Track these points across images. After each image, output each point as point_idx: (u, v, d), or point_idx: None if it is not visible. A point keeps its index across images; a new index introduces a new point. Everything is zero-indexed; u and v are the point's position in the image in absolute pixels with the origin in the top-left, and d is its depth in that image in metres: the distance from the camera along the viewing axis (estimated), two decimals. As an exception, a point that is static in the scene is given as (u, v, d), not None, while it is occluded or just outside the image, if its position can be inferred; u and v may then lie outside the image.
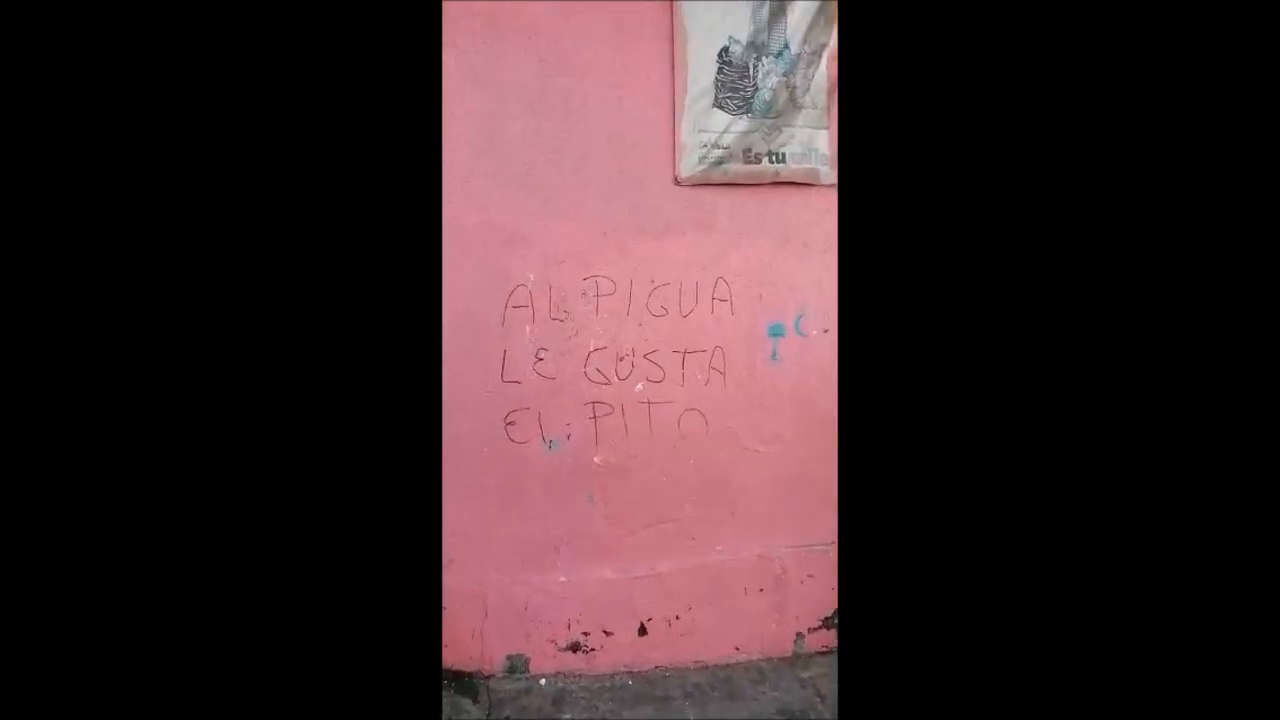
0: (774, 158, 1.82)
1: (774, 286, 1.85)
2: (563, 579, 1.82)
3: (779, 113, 1.81)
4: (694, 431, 1.84)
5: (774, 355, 1.87)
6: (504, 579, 1.80)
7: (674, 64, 1.75)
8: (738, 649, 1.92)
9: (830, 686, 1.75)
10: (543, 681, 1.79)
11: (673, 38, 1.74)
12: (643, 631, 1.87)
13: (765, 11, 1.76)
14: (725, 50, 1.77)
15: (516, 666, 1.82)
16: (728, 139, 1.79)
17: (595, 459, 1.80)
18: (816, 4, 1.77)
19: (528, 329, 1.74)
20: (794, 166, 1.82)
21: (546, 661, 1.82)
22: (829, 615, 1.94)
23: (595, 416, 1.79)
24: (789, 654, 1.94)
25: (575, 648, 1.84)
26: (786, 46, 1.79)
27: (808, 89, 1.81)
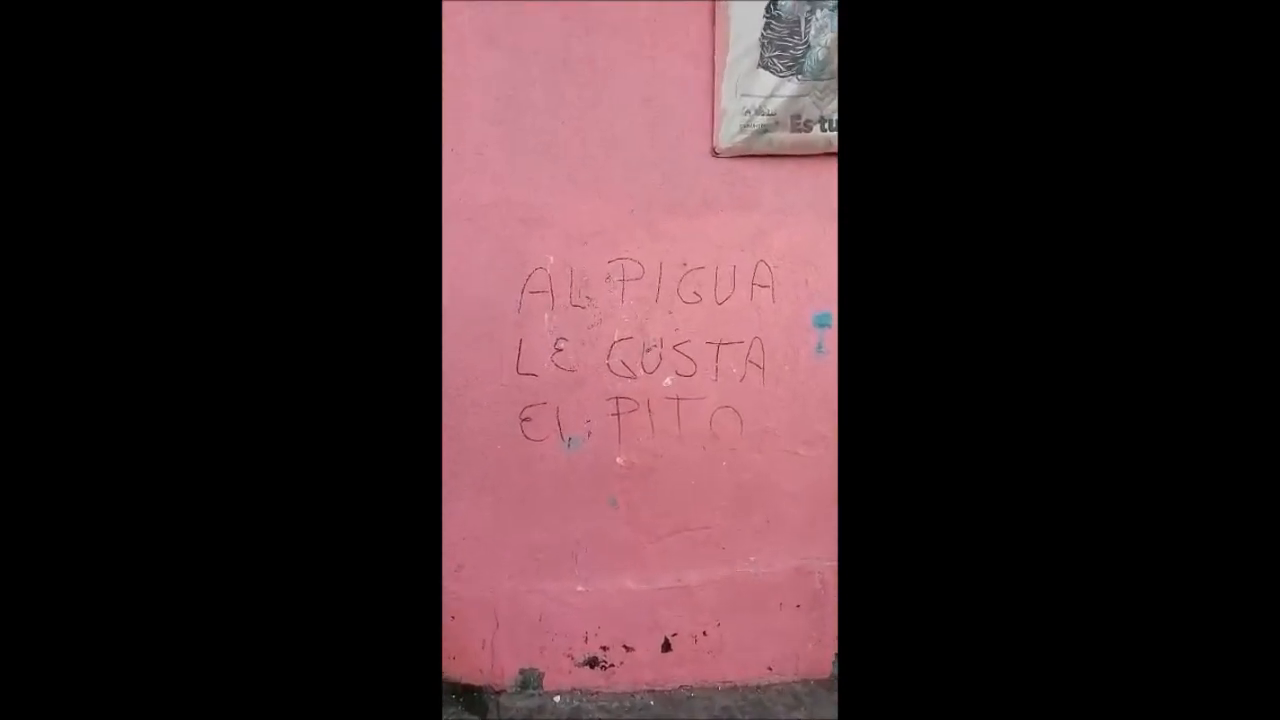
0: (826, 125, 1.60)
1: (821, 271, 1.65)
2: (580, 588, 1.68)
3: (834, 74, 1.59)
4: (728, 431, 1.66)
5: (819, 348, 1.67)
6: (517, 587, 1.66)
7: (714, 17, 1.54)
8: (770, 669, 1.76)
9: None
10: (557, 699, 1.65)
11: (714, -13, 1.53)
12: (667, 647, 1.72)
13: (820, -44, 1.55)
14: (773, 2, 1.55)
15: (529, 681, 1.69)
16: (774, 104, 1.58)
17: (618, 459, 1.64)
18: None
19: (546, 316, 1.58)
20: (848, 135, 1.60)
21: (562, 677, 1.69)
22: (873, 638, 1.75)
23: (619, 413, 1.62)
24: (827, 677, 1.77)
25: (593, 663, 1.70)
26: (844, -4, 1.57)
27: (867, 46, 1.58)
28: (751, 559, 1.74)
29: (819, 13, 1.57)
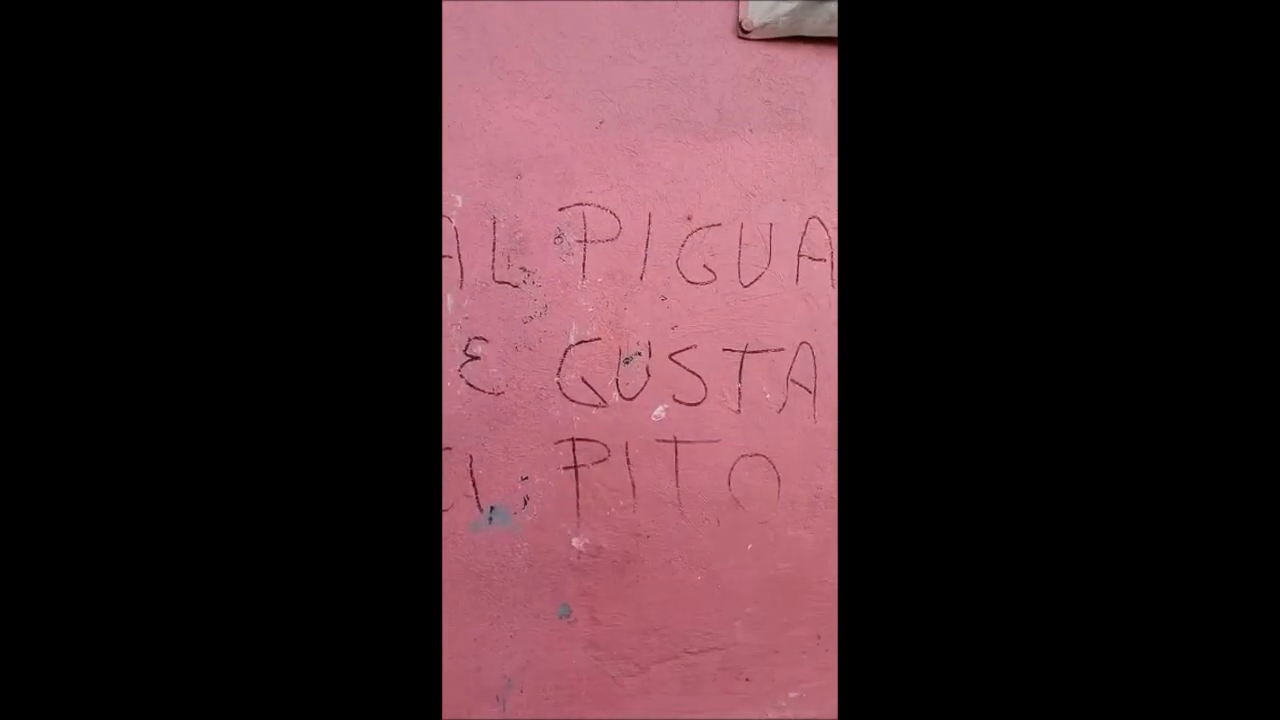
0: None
1: (915, 234, 1.00)
2: (512, 752, 1.03)
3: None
4: (757, 494, 1.03)
5: (907, 361, 1.02)
6: (406, 749, 1.00)
7: None
8: None
9: None
10: None
11: None
12: (654, 845, 1.06)
13: None
14: None
15: None
16: (839, -48, 0.94)
17: (575, 541, 1.00)
18: None
19: (450, 299, 0.93)
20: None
21: None
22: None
23: (576, 465, 0.98)
24: None
25: None
26: None
27: None
28: (792, 695, 1.10)
29: None
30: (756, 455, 1.04)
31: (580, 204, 0.95)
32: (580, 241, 0.96)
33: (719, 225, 0.99)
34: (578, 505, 0.99)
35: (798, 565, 1.08)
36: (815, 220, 1.02)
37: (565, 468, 0.98)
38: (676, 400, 1.00)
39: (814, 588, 1.09)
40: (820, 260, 1.03)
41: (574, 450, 0.98)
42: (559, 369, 0.97)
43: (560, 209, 0.95)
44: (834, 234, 1.03)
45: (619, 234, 0.97)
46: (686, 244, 0.98)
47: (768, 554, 1.06)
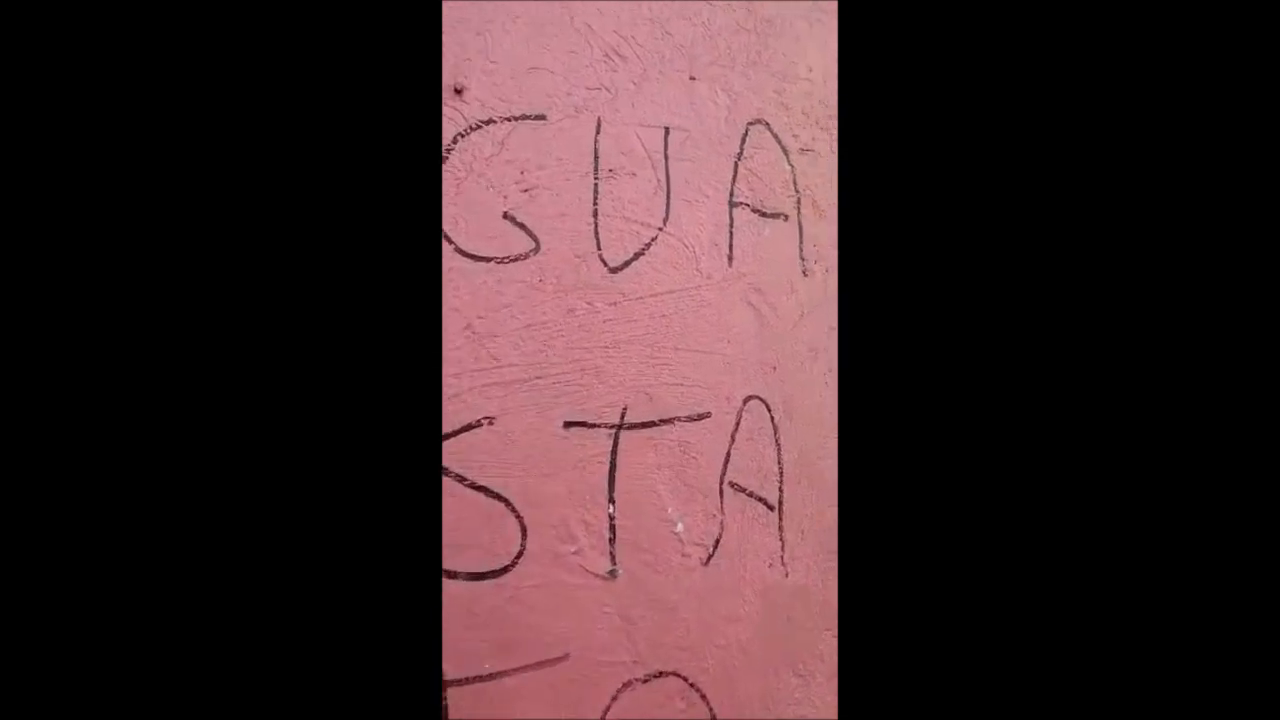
0: None
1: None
2: None
3: None
4: None
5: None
6: None
7: None
8: None
9: None
10: None
11: None
12: None
13: None
14: None
15: None
16: None
17: None
18: None
19: None
20: None
21: None
22: None
23: None
24: None
25: None
26: None
27: None
28: None
29: None
30: (662, 675, 0.43)
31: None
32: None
33: (540, 119, 0.41)
34: None
35: None
36: (761, 127, 0.46)
37: None
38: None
39: None
40: (778, 217, 0.47)
41: None
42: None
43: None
44: (798, 165, 0.48)
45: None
46: (455, 152, 0.38)
47: None
